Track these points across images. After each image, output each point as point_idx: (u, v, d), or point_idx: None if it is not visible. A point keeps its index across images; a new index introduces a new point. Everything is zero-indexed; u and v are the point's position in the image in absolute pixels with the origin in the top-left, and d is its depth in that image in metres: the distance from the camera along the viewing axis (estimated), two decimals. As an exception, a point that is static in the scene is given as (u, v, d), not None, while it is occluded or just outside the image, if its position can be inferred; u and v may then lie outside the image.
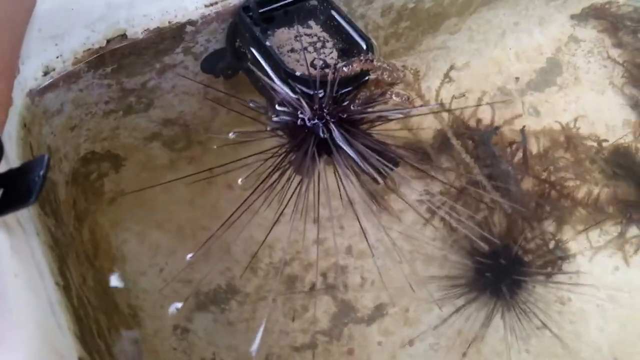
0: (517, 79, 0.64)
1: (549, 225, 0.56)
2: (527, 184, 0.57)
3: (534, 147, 0.59)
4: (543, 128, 0.61)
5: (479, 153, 0.58)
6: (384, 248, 0.59)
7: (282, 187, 0.47)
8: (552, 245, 0.56)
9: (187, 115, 0.56)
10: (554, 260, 0.55)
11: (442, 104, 0.57)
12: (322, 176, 0.47)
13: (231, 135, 0.47)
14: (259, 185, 0.47)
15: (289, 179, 0.48)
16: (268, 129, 0.46)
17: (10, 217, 0.33)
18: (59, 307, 0.32)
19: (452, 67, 0.58)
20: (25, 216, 0.36)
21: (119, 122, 0.53)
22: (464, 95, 0.61)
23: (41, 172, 0.28)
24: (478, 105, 0.57)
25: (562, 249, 0.56)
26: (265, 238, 0.51)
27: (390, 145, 0.44)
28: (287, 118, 0.45)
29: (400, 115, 0.45)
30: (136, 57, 0.50)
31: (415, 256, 0.59)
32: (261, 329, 0.52)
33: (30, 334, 0.27)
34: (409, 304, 0.57)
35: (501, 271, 0.55)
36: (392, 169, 0.44)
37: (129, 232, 0.58)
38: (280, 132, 0.46)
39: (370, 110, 0.45)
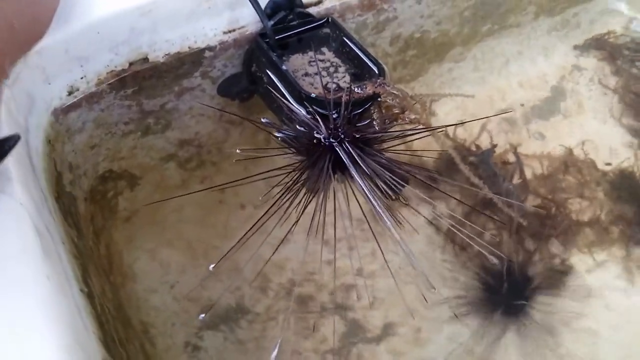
0: (522, 105, 0.66)
1: (556, 246, 0.57)
2: (532, 204, 0.58)
3: (537, 170, 0.60)
4: (546, 152, 0.63)
5: (480, 173, 0.60)
6: (393, 268, 0.60)
7: (296, 206, 0.48)
8: (560, 265, 0.56)
9: (202, 137, 0.58)
10: (564, 280, 0.56)
11: (447, 130, 0.58)
12: (334, 195, 0.48)
13: (238, 151, 0.48)
14: (274, 203, 0.48)
15: (302, 197, 0.49)
16: (281, 144, 0.47)
17: (39, 223, 0.34)
18: (84, 311, 0.33)
19: (456, 94, 0.60)
20: (52, 225, 0.37)
21: (137, 142, 0.54)
22: (462, 123, 0.63)
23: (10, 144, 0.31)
24: (487, 117, 0.59)
25: (570, 269, 0.56)
26: (272, 255, 0.52)
27: (402, 164, 0.45)
28: (303, 137, 0.47)
29: (411, 135, 0.46)
30: (156, 80, 0.52)
31: (425, 277, 0.59)
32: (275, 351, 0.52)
33: (62, 332, 0.28)
34: (419, 324, 0.57)
35: (511, 291, 0.56)
36: (403, 186, 0.45)
37: (141, 250, 0.59)
38: (294, 150, 0.47)
39: (383, 130, 0.47)
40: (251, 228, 0.47)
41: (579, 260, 0.57)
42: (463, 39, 0.64)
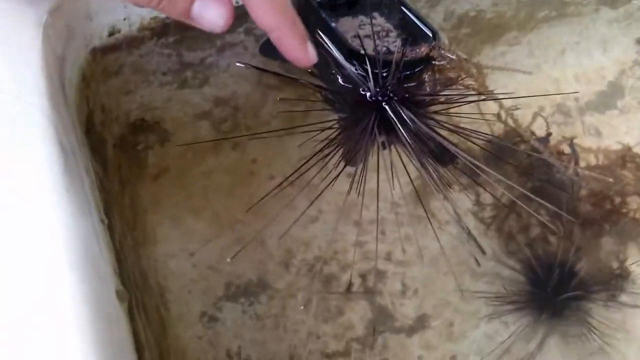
0: (576, 99, 0.62)
1: (612, 245, 0.53)
2: (586, 198, 0.54)
3: (593, 163, 0.56)
4: (603, 147, 0.58)
5: (532, 161, 0.56)
6: (429, 257, 0.56)
7: (333, 168, 0.45)
8: (616, 267, 0.52)
9: (239, 98, 0.56)
10: (619, 283, 0.51)
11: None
12: (377, 161, 0.45)
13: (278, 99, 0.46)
14: (307, 162, 0.44)
15: (338, 162, 0.46)
16: (324, 101, 0.44)
17: (64, 141, 0.32)
18: (102, 240, 0.30)
19: (512, 69, 0.56)
20: (77, 152, 0.35)
21: (173, 94, 0.52)
22: (517, 108, 0.59)
23: None
24: (551, 94, 0.55)
25: (627, 272, 0.51)
26: (294, 222, 0.49)
27: (457, 127, 0.42)
28: (348, 94, 0.44)
29: (465, 99, 0.43)
30: (199, 31, 0.49)
31: (463, 268, 0.55)
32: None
33: (74, 246, 0.25)
34: (453, 318, 0.53)
35: (559, 290, 0.51)
36: (455, 156, 0.42)
37: (165, 214, 0.56)
38: (337, 107, 0.44)
39: (435, 93, 0.44)
40: (279, 185, 0.44)
41: (634, 260, 0.52)
42: (519, 22, 0.61)
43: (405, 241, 0.57)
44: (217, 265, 0.55)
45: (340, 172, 0.41)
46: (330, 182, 0.43)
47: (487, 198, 0.56)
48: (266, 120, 0.58)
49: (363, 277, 0.55)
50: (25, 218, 0.25)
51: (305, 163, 0.41)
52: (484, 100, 0.43)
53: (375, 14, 0.52)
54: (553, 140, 0.58)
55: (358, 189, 0.44)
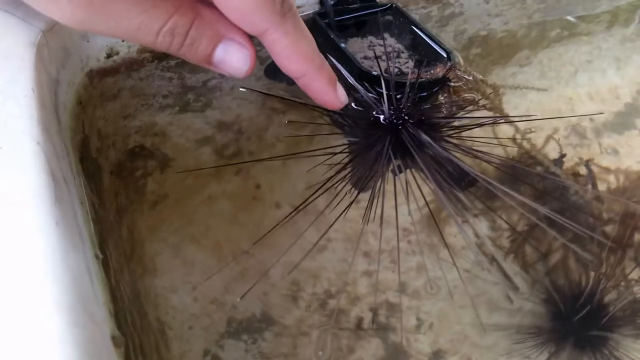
0: (591, 119, 0.60)
1: (634, 271, 0.50)
2: (607, 222, 0.51)
3: (613, 185, 0.54)
4: (623, 168, 0.56)
5: (545, 185, 0.53)
6: (445, 289, 0.53)
7: (344, 196, 0.42)
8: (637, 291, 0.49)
9: (243, 121, 0.53)
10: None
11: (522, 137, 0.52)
12: (394, 186, 0.42)
13: (286, 121, 0.43)
14: (318, 189, 0.42)
15: (350, 189, 0.43)
16: (334, 124, 0.42)
17: (56, 170, 0.29)
18: (96, 277, 0.27)
19: (525, 87, 0.55)
20: (71, 180, 0.32)
21: (174, 118, 0.50)
22: (532, 132, 0.57)
23: None
24: (573, 116, 0.53)
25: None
26: (305, 256, 0.46)
27: (476, 151, 0.39)
28: (360, 117, 0.41)
29: (482, 122, 0.41)
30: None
31: (481, 300, 0.52)
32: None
33: (64, 286, 0.22)
34: (471, 353, 0.50)
35: (583, 322, 0.48)
36: (475, 180, 0.39)
37: (164, 244, 0.53)
38: (348, 131, 0.42)
39: (451, 115, 0.41)
40: (288, 216, 0.41)
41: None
42: (530, 42, 0.59)
43: (420, 271, 0.54)
44: (220, 298, 0.52)
45: (353, 201, 0.38)
46: (343, 212, 0.40)
47: (504, 223, 0.53)
48: (271, 144, 0.55)
49: (375, 311, 0.52)
50: (8, 256, 0.22)
51: (316, 191, 0.38)
52: (503, 123, 0.41)
53: (386, 35, 0.50)
54: (569, 162, 0.56)
55: (372, 216, 0.42)
